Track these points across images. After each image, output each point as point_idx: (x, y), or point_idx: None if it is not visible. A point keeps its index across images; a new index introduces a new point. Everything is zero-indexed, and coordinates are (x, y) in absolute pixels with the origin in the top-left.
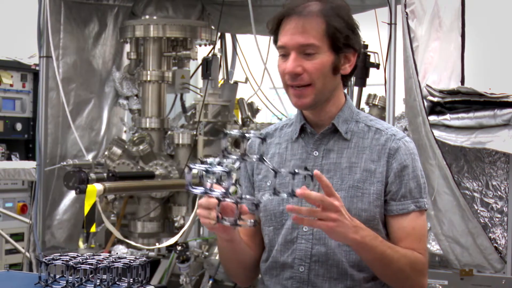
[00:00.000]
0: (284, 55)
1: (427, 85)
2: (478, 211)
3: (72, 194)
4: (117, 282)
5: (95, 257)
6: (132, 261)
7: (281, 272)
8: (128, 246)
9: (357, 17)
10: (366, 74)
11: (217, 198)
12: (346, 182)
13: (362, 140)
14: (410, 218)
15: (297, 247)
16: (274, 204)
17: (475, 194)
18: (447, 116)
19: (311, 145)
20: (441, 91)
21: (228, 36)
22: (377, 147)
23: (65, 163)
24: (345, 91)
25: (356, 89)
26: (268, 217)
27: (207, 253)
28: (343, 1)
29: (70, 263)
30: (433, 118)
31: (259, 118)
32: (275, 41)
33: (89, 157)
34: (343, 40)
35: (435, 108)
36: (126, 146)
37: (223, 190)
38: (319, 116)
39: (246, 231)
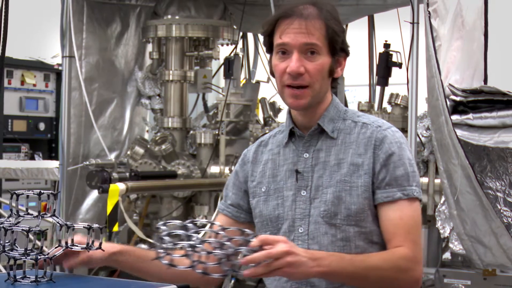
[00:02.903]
0: (283, 55)
1: (450, 84)
2: (501, 210)
3: (94, 194)
4: None
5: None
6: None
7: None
8: (151, 245)
9: (380, 16)
10: (388, 74)
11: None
12: (334, 178)
13: (348, 136)
14: (397, 207)
15: None
16: (270, 209)
17: (498, 194)
18: (470, 115)
19: (301, 147)
20: (463, 91)
21: (250, 35)
22: (363, 140)
23: (87, 162)
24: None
25: (378, 88)
26: (265, 222)
27: None
28: (332, 6)
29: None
30: (455, 117)
31: (281, 118)
32: (268, 43)
33: (112, 156)
34: (340, 43)
35: (457, 108)
36: (148, 146)
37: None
38: (308, 118)
39: None
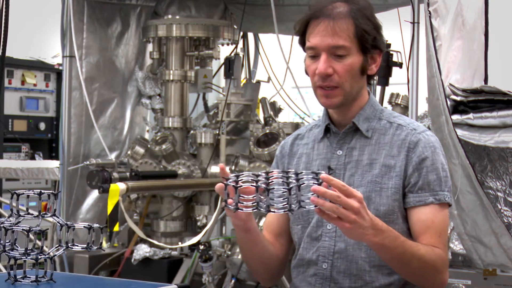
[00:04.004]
0: (314, 57)
1: (450, 84)
2: (502, 210)
3: (95, 193)
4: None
5: None
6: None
7: (307, 269)
8: (151, 245)
9: (380, 16)
10: (389, 73)
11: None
12: (365, 178)
13: (383, 136)
14: (429, 211)
15: (321, 245)
16: None
17: (499, 194)
18: (470, 115)
19: (335, 144)
20: (464, 90)
21: (250, 35)
22: (397, 142)
23: (88, 162)
24: (368, 89)
25: (379, 88)
26: (296, 215)
27: (229, 252)
28: (366, 2)
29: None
30: (456, 117)
31: (281, 118)
32: (302, 43)
33: (112, 156)
34: (371, 41)
35: (458, 107)
36: (149, 146)
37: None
38: (344, 116)
39: (271, 229)
